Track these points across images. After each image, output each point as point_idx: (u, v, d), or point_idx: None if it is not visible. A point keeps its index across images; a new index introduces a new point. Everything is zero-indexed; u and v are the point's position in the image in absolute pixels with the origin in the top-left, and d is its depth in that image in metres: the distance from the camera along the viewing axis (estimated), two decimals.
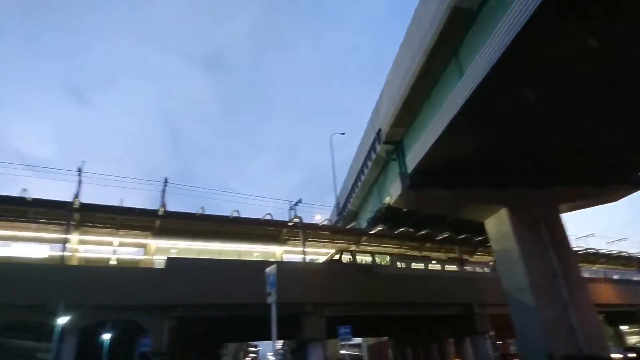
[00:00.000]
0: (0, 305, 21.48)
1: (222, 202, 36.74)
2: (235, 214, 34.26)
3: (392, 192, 27.44)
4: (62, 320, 21.65)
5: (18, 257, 28.95)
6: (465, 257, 45.86)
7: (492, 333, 38.63)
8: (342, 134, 65.41)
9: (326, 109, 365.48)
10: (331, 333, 27.94)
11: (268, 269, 13.08)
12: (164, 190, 32.14)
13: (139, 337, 24.61)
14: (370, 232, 39.12)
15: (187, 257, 32.51)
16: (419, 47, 21.20)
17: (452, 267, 40.65)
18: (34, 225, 30.49)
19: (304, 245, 35.33)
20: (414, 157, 24.70)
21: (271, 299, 12.82)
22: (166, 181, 32.10)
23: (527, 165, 25.68)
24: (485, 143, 22.62)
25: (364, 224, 40.40)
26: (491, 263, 42.94)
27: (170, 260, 26.87)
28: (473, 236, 41.70)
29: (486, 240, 32.30)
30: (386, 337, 53.31)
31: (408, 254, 43.09)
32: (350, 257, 35.10)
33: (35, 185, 29.68)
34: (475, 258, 47.71)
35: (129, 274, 26.06)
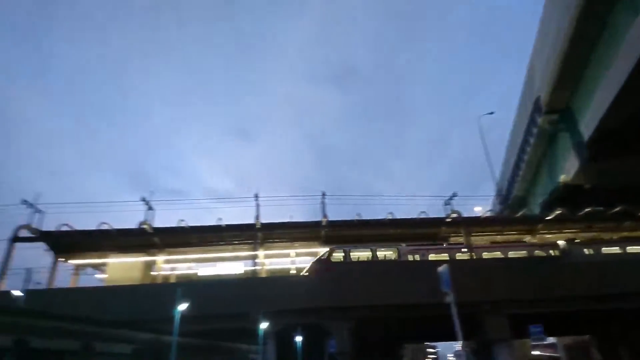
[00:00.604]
0: (215, 315, 26.33)
1: (375, 207, 37.70)
2: (390, 216, 34.68)
3: (568, 168, 23.74)
4: (263, 326, 25.48)
5: (222, 275, 35.28)
6: None
7: None
8: (491, 113, 59.90)
9: (466, 94, 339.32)
10: (518, 332, 25.45)
11: (441, 268, 12.84)
12: (323, 203, 34.85)
13: (328, 338, 26.99)
14: (547, 218, 34.34)
15: (355, 261, 34.30)
16: None
17: None
18: (230, 246, 36.93)
19: (468, 241, 33.34)
20: (590, 122, 20.87)
21: (449, 299, 12.52)
22: (324, 195, 34.77)
23: None
24: None
25: (536, 210, 35.75)
26: None
27: (340, 265, 28.78)
28: None
29: None
30: (587, 335, 45.47)
31: (597, 238, 36.15)
32: (343, 254, 31.42)
33: (223, 213, 35.88)
34: None
35: (307, 281, 28.83)
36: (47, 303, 24.85)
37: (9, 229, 30.70)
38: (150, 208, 34.66)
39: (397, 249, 32.67)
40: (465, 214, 35.33)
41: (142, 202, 34.38)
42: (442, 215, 35.66)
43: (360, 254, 32.18)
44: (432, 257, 31.88)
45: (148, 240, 34.71)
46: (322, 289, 26.67)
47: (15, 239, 30.73)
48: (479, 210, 37.48)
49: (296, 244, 36.34)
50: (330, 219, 34.36)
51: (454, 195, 35.77)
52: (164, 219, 35.35)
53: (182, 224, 34.24)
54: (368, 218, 35.24)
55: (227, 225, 34.35)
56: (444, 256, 32.45)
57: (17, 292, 22.70)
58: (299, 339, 28.83)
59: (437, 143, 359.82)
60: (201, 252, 36.93)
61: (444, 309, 13.62)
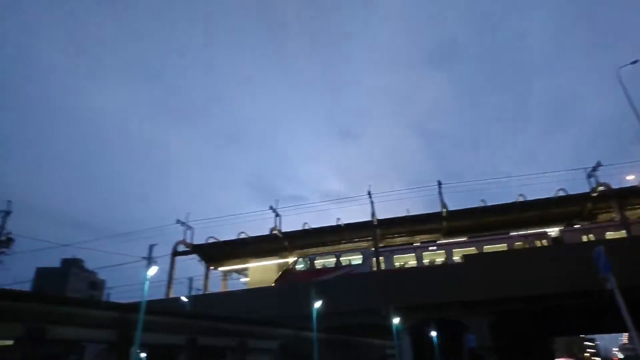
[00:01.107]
0: (350, 312, 27.28)
1: (500, 191, 34.66)
2: (521, 199, 31.56)
3: None
4: (395, 321, 25.56)
5: (349, 273, 36.43)
6: None
7: None
8: (634, 62, 50.17)
9: (595, 47, 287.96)
10: None
11: (596, 249, 11.26)
12: (440, 192, 33.42)
13: (465, 332, 25.86)
14: None
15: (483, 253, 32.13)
16: None
17: None
18: (350, 244, 38.03)
19: (623, 217, 28.45)
20: None
21: (611, 285, 10.90)
22: (439, 183, 33.34)
23: None
24: None
25: None
26: None
27: (468, 258, 27.22)
28: None
29: None
30: None
31: None
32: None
33: (340, 213, 37.16)
34: None
35: (434, 273, 27.88)
36: (206, 306, 29.01)
37: (169, 245, 36.80)
38: (277, 215, 37.79)
39: (362, 252, 31.89)
40: (615, 186, 30.23)
41: (270, 210, 37.67)
42: (586, 189, 31.21)
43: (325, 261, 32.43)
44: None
45: (279, 244, 37.88)
46: (455, 281, 25.52)
47: (175, 253, 36.63)
48: (632, 179, 31.66)
49: (416, 237, 35.62)
50: (450, 209, 32.82)
51: (598, 165, 30.87)
52: (289, 223, 38.25)
53: (306, 227, 36.58)
54: (493, 204, 32.71)
55: (345, 224, 35.46)
56: (471, 249, 29.39)
57: (183, 298, 27.03)
58: (434, 333, 28.19)
59: (565, 107, 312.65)
60: (325, 251, 38.84)
61: (600, 297, 11.94)
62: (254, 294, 30.49)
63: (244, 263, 38.99)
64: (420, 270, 29.14)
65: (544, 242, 28.79)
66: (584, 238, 27.99)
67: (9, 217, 28.17)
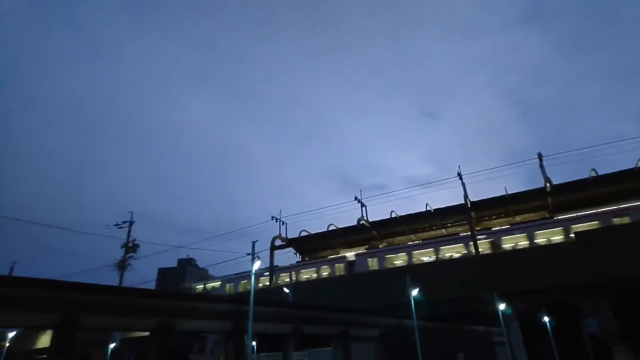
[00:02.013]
0: (450, 299, 26.25)
1: (612, 157, 30.27)
2: None
3: None
4: (500, 307, 24.02)
5: (446, 259, 35.11)
6: None
7: None
8: None
9: None
10: None
11: None
12: (541, 166, 30.42)
13: (583, 317, 23.41)
14: None
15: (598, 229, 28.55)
16: None
17: None
18: (442, 230, 36.68)
19: None
20: None
21: None
22: (540, 156, 30.31)
23: None
24: None
25: None
26: None
27: (581, 236, 24.41)
28: None
29: None
30: None
31: None
32: None
33: (429, 199, 35.77)
34: None
35: (540, 255, 25.41)
36: (308, 294, 30.32)
37: (267, 240, 39.36)
38: (362, 205, 38.00)
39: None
40: None
41: (355, 201, 38.02)
42: None
43: None
44: None
45: (367, 234, 38.12)
46: (570, 263, 23.07)
47: (273, 247, 39.00)
48: None
49: (517, 217, 32.98)
50: (555, 183, 29.73)
51: None
52: (375, 213, 38.17)
53: (393, 215, 36.17)
54: (607, 172, 28.87)
55: (436, 209, 34.27)
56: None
57: (286, 289, 28.70)
58: (546, 319, 25.98)
59: None
60: (416, 239, 37.99)
61: None
62: (354, 280, 31.06)
63: (336, 253, 40.02)
64: (525, 252, 26.91)
65: None
66: None
67: (132, 226, 32.66)
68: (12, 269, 39.53)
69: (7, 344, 24.32)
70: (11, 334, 24.38)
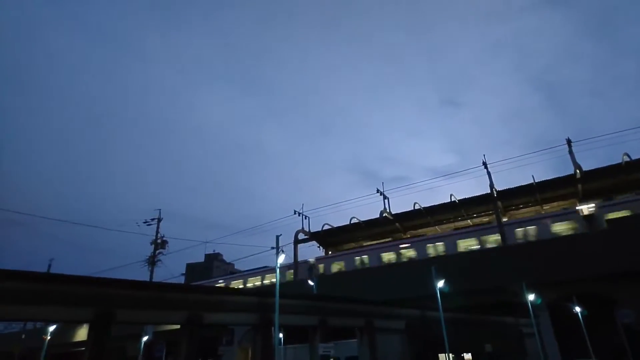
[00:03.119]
0: (476, 290, 25.93)
1: None
2: None
3: None
4: (530, 298, 23.47)
5: (474, 250, 34.39)
6: None
7: None
8: None
9: None
10: None
11: None
12: (570, 152, 29.35)
13: (617, 308, 22.62)
14: None
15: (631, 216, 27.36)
16: None
17: None
18: (468, 221, 36.07)
19: None
20: None
21: None
22: (569, 142, 29.24)
23: None
24: None
25: None
26: None
27: (614, 222, 23.53)
28: None
29: None
30: None
31: None
32: None
33: (453, 189, 35.24)
34: None
35: (570, 244, 24.65)
36: (331, 287, 30.52)
37: (290, 234, 39.72)
38: (385, 197, 37.76)
39: None
40: None
41: (377, 194, 37.83)
42: None
43: None
44: None
45: (390, 226, 37.89)
46: (602, 251, 22.33)
47: (297, 241, 39.34)
48: None
49: (546, 206, 32.05)
50: (586, 169, 28.67)
51: None
52: (397, 205, 37.89)
53: (417, 207, 35.78)
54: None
55: (460, 200, 33.70)
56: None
57: (310, 282, 28.91)
58: (578, 309, 25.25)
59: None
60: (441, 230, 37.52)
61: None
62: (377, 272, 31.04)
63: (359, 246, 40.05)
64: (553, 242, 26.15)
65: None
66: None
67: (160, 223, 33.60)
68: (49, 266, 41.48)
69: (48, 338, 25.74)
70: (51, 328, 25.83)
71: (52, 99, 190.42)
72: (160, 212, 32.66)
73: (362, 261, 35.21)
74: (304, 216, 39.69)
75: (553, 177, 30.92)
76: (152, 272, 30.47)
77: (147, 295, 14.29)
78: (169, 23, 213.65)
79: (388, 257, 33.88)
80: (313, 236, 40.18)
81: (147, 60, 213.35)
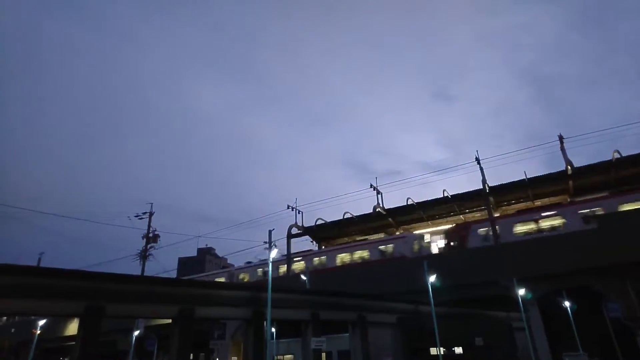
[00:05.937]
0: (468, 285, 26.01)
1: (637, 137, 29.19)
2: None
3: None
4: (520, 292, 23.70)
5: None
6: None
7: None
8: None
9: None
10: None
11: None
12: (562, 148, 29.59)
13: (606, 302, 22.93)
14: None
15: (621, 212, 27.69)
16: None
17: None
18: (461, 216, 36.28)
19: None
20: None
21: None
22: (561, 138, 29.47)
23: None
24: None
25: None
26: None
27: (603, 219, 23.78)
28: None
29: None
30: None
31: None
32: None
33: (445, 184, 35.32)
34: None
35: (559, 240, 24.93)
36: (324, 280, 30.53)
37: (283, 229, 39.69)
38: (378, 192, 37.83)
39: None
40: None
41: (370, 189, 37.89)
42: None
43: None
44: None
45: (383, 221, 38.00)
46: (588, 246, 22.64)
47: (290, 235, 39.27)
48: None
49: (537, 202, 32.34)
50: (576, 166, 28.95)
51: None
52: (391, 200, 38.13)
53: (410, 202, 35.88)
54: (631, 153, 27.91)
55: (453, 195, 33.86)
56: None
57: (303, 277, 28.87)
58: (567, 304, 25.58)
59: None
60: (432, 225, 37.71)
61: None
62: (367, 269, 31.18)
63: (352, 241, 40.15)
64: (544, 238, 26.44)
65: None
66: None
67: (152, 217, 33.35)
68: (39, 260, 41.08)
69: (38, 332, 25.49)
70: (41, 322, 25.57)
71: (41, 89, 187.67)
72: (152, 206, 32.44)
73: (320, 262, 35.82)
74: (297, 211, 39.67)
75: (544, 172, 31.24)
76: (143, 266, 30.31)
77: (138, 289, 14.21)
78: (161, 11, 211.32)
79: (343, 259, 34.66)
80: (306, 231, 40.18)
81: (139, 51, 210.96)
